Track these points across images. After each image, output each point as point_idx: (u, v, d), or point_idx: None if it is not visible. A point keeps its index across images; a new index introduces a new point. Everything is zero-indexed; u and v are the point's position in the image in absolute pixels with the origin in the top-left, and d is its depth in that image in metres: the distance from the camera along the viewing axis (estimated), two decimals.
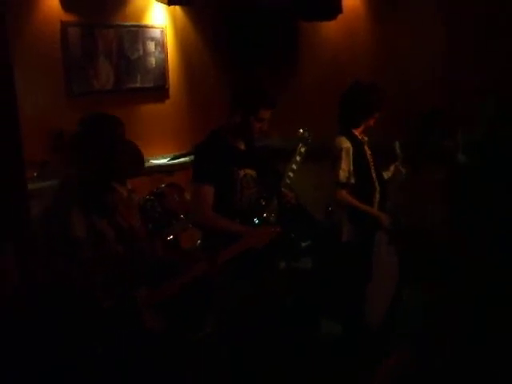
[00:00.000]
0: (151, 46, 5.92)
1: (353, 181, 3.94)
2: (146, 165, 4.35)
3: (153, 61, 5.95)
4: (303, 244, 5.28)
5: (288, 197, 3.66)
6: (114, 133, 2.71)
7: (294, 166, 3.73)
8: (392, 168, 4.17)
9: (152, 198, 4.70)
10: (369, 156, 4.05)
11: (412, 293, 4.50)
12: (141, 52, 5.84)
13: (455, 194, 5.01)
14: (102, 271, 2.63)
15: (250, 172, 3.60)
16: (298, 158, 3.75)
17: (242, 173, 3.56)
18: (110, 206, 2.75)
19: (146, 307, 2.69)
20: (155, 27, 5.95)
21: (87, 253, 2.59)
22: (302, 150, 3.76)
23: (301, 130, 3.81)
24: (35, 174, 4.62)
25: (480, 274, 4.43)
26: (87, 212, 2.62)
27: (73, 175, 2.73)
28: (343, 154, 3.92)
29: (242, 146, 3.62)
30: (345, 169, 3.92)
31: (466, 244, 4.72)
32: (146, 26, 5.87)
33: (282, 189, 3.66)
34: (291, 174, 3.72)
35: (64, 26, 5.24)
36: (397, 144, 4.10)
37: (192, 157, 5.07)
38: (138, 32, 5.80)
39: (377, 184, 4.03)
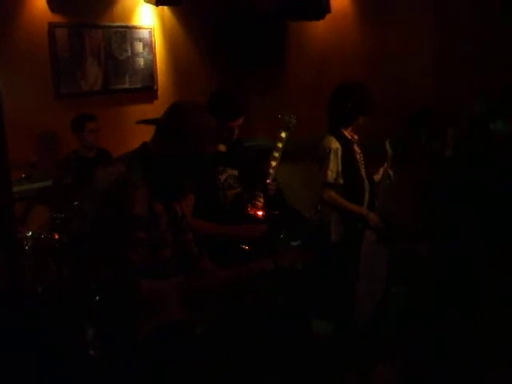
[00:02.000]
0: (139, 46, 5.92)
1: (341, 181, 3.93)
2: None
3: (141, 61, 5.94)
4: (293, 244, 5.28)
5: (270, 187, 3.65)
6: (202, 127, 2.64)
7: (276, 154, 3.67)
8: (381, 171, 4.16)
9: None
10: (358, 155, 4.04)
11: (399, 293, 4.53)
12: (129, 53, 5.83)
13: (440, 192, 5.03)
14: (144, 254, 2.60)
15: (232, 172, 3.61)
16: (279, 145, 3.68)
17: (223, 175, 3.56)
18: (172, 192, 2.74)
19: (177, 296, 2.67)
20: (143, 28, 5.94)
21: (140, 233, 2.56)
22: (283, 135, 3.70)
23: (279, 116, 3.77)
24: (23, 176, 4.60)
25: (466, 273, 4.47)
26: (150, 194, 2.59)
27: (142, 158, 2.66)
28: (331, 155, 3.90)
29: (223, 148, 3.63)
30: (333, 169, 3.91)
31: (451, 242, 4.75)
32: (133, 27, 5.86)
33: (268, 180, 3.63)
34: (274, 163, 3.66)
35: (51, 27, 5.22)
36: (387, 143, 4.10)
37: None
38: (126, 33, 5.79)
39: (366, 184, 4.04)
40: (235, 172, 3.62)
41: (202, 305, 2.77)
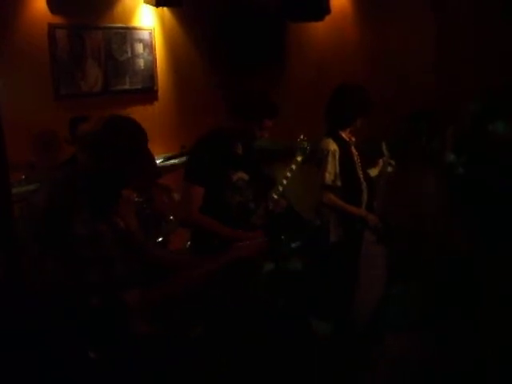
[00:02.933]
0: (139, 47, 5.92)
1: (339, 183, 3.94)
2: None
3: (141, 62, 5.94)
4: (293, 245, 5.28)
5: (279, 203, 3.67)
6: (140, 140, 2.63)
7: (289, 174, 3.76)
8: (380, 162, 4.18)
9: (141, 199, 4.68)
10: (356, 157, 4.05)
11: (399, 293, 4.52)
12: (129, 54, 5.83)
13: (445, 195, 5.02)
14: (95, 273, 2.57)
15: (243, 175, 3.60)
16: (293, 167, 3.79)
17: (235, 177, 3.56)
18: (113, 209, 2.69)
19: (138, 310, 2.65)
20: (143, 29, 5.94)
21: (85, 252, 2.49)
22: (299, 159, 3.82)
23: (301, 137, 3.83)
24: (23, 177, 4.59)
25: (467, 272, 4.46)
26: (90, 212, 2.53)
27: (77, 174, 2.60)
28: (329, 157, 3.92)
29: (240, 150, 3.62)
30: (331, 171, 3.92)
31: (455, 244, 4.74)
32: (134, 28, 5.86)
33: (275, 196, 3.67)
34: (285, 182, 3.74)
35: (51, 28, 5.22)
36: (384, 145, 4.12)
37: (181, 158, 5.08)
38: (126, 34, 5.80)
39: (364, 185, 4.04)
40: (245, 176, 3.62)
41: (170, 314, 2.74)
